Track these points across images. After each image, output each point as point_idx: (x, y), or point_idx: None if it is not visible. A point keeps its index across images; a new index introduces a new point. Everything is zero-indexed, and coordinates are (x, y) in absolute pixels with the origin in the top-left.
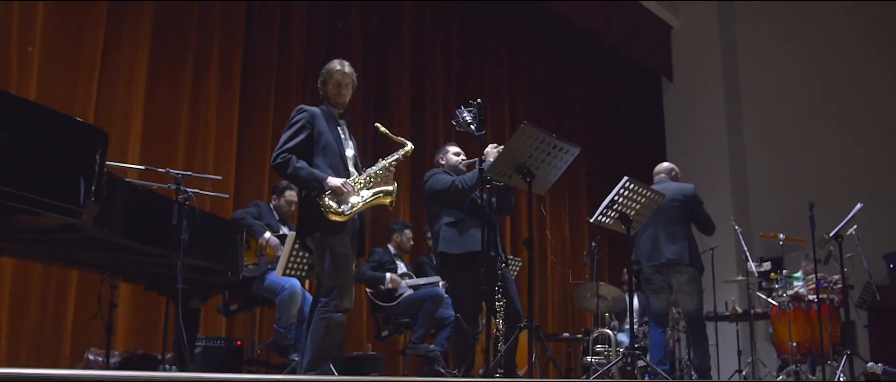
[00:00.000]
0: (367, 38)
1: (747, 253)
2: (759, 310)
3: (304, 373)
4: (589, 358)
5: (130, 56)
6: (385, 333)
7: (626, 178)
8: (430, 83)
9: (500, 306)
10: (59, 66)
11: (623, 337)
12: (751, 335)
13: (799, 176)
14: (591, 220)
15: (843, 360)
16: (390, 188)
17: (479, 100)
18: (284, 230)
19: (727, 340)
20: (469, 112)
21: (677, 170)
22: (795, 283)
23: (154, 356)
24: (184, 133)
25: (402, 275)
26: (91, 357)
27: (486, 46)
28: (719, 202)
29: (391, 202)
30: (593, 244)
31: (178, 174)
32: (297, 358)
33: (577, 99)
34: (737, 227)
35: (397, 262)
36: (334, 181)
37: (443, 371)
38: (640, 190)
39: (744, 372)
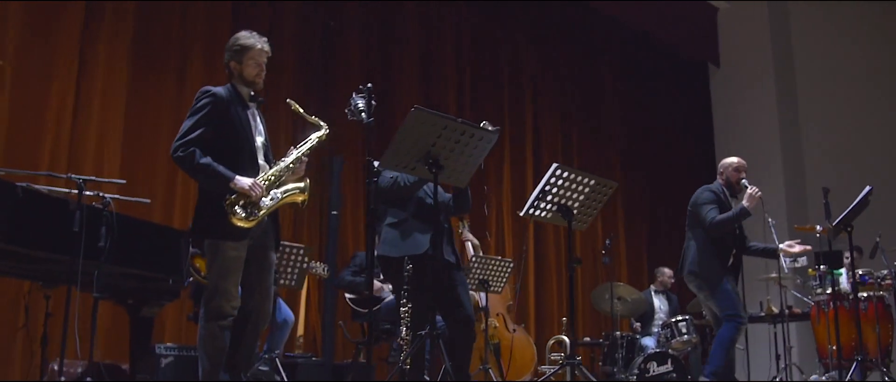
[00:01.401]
0: (368, 31)
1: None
2: (797, 310)
3: None
4: (542, 367)
5: (109, 61)
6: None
7: (555, 165)
8: (440, 76)
9: (405, 312)
10: (32, 77)
11: (648, 342)
12: (785, 337)
13: (859, 165)
14: (521, 214)
15: None
16: (303, 185)
17: (369, 84)
18: None
19: (761, 343)
20: (361, 97)
21: (724, 167)
22: (839, 279)
23: (118, 366)
24: (165, 142)
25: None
26: (55, 367)
27: (501, 34)
28: (774, 195)
29: (303, 201)
30: (608, 242)
31: (79, 179)
32: (265, 368)
33: (610, 89)
34: (770, 220)
35: None
36: (243, 182)
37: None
38: (579, 178)
39: (777, 379)
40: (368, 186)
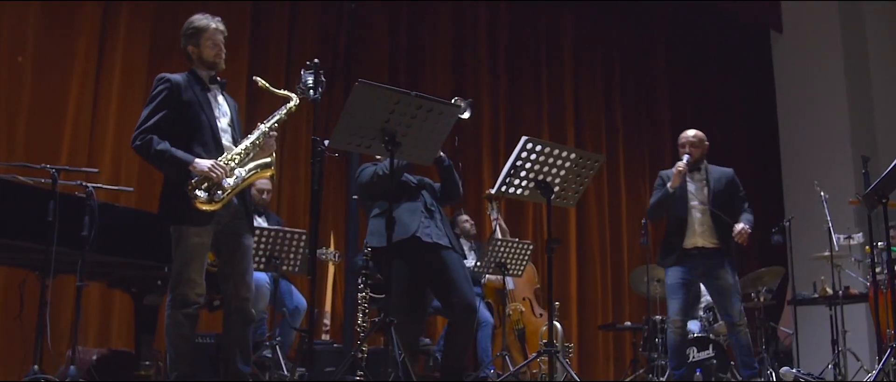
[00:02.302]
0: (395, 10)
1: (830, 224)
2: (854, 291)
3: (169, 375)
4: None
5: (127, 58)
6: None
7: (524, 138)
8: (473, 52)
9: (364, 298)
10: (51, 73)
11: (693, 326)
12: (839, 320)
13: None
14: (493, 191)
15: None
16: (268, 160)
17: (316, 60)
18: (260, 221)
19: (815, 326)
20: (310, 74)
21: None
22: None
23: (130, 353)
24: None
25: None
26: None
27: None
28: (842, 171)
29: (272, 176)
30: (644, 222)
31: (53, 169)
32: (269, 355)
33: (660, 61)
34: (822, 193)
35: None
36: (202, 165)
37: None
38: (557, 152)
39: (829, 366)
40: (312, 167)
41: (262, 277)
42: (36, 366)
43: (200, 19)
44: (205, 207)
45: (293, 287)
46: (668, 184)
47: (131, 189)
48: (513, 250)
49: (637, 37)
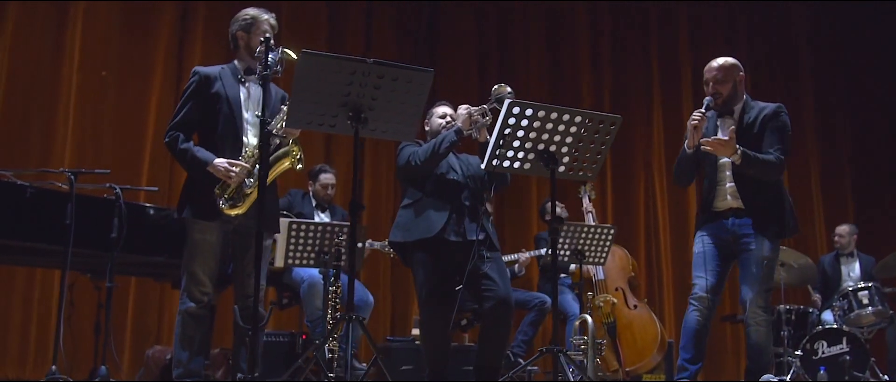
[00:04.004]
0: None
1: None
2: None
3: (173, 373)
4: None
5: (206, 63)
6: (463, 322)
7: (508, 101)
8: (569, 28)
9: (333, 292)
10: (133, 82)
11: (828, 316)
12: None
13: None
14: (483, 167)
15: None
16: (286, 148)
17: (268, 36)
18: (323, 217)
19: None
20: (272, 52)
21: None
22: None
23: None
24: None
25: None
26: (150, 353)
27: None
28: None
29: (292, 163)
30: None
31: (69, 173)
32: (329, 354)
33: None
34: None
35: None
36: (219, 166)
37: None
38: (555, 116)
39: None
40: (261, 151)
41: (315, 274)
42: (80, 366)
43: (256, 11)
44: (231, 212)
45: (358, 281)
46: (685, 143)
47: (156, 189)
48: (590, 236)
49: (767, 33)
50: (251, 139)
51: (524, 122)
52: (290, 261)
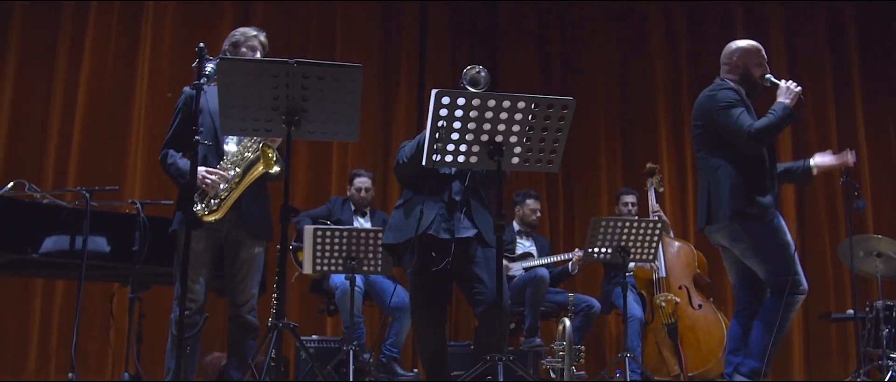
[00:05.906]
0: None
1: None
2: None
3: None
4: (543, 363)
5: None
6: None
7: (435, 91)
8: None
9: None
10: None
11: None
12: None
13: None
14: (423, 164)
15: None
16: (259, 154)
17: (201, 44)
18: (362, 221)
19: None
20: (209, 61)
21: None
22: None
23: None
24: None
25: (523, 256)
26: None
27: None
28: None
29: (267, 167)
30: (857, 184)
31: (84, 192)
32: (368, 357)
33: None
34: None
35: (520, 241)
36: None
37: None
38: (491, 103)
39: None
40: (191, 158)
41: (343, 280)
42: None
43: (246, 29)
44: (210, 218)
45: (400, 286)
46: (791, 103)
47: (171, 201)
48: (634, 231)
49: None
50: (231, 147)
51: (459, 113)
52: (318, 268)
